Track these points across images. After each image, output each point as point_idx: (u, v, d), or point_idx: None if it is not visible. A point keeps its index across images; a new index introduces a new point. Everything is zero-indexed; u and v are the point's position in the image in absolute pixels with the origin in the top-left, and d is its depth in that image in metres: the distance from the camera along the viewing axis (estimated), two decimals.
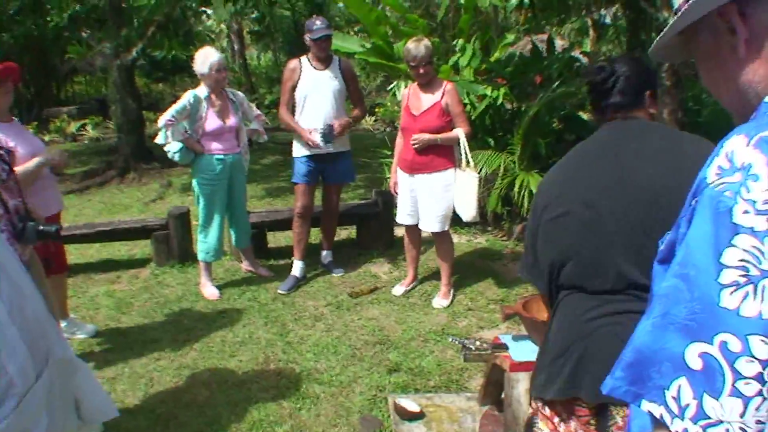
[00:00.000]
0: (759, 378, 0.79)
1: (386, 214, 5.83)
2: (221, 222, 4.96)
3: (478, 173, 4.65)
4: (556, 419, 2.07)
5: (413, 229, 4.89)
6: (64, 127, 12.57)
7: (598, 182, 1.95)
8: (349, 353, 4.09)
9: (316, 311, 4.70)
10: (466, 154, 4.51)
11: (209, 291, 4.97)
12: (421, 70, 4.43)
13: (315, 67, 4.88)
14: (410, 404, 3.40)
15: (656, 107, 2.07)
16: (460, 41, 6.70)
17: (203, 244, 4.95)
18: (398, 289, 5.00)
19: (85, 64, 12.27)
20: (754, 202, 0.80)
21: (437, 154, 4.56)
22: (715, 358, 0.81)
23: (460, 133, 4.51)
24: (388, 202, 5.82)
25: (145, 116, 10.17)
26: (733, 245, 0.80)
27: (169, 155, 4.74)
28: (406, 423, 3.34)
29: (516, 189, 5.52)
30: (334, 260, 5.49)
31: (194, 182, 4.88)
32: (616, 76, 2.00)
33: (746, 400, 0.80)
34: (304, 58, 4.94)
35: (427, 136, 4.48)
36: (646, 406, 0.89)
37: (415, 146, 4.52)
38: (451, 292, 4.89)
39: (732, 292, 0.80)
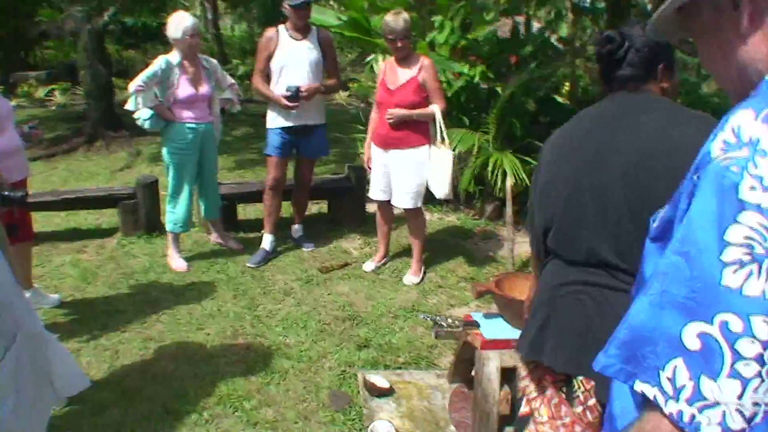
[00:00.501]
0: (759, 359, 0.78)
1: (359, 189, 5.78)
2: (191, 192, 4.87)
3: (453, 151, 4.61)
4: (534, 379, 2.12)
5: (385, 205, 4.85)
6: (32, 92, 12.26)
7: (583, 157, 1.93)
8: (318, 328, 4.06)
9: (285, 285, 4.65)
10: (441, 130, 4.47)
11: (177, 263, 4.89)
12: (399, 44, 4.37)
13: (293, 37, 4.78)
14: (380, 380, 3.38)
15: (670, 81, 1.96)
16: (439, 18, 6.63)
17: (172, 214, 4.86)
18: (369, 265, 4.97)
19: (54, 28, 11.93)
20: (762, 178, 0.77)
21: (412, 130, 4.51)
22: (715, 339, 0.79)
23: (435, 109, 4.46)
24: (360, 177, 5.77)
25: (115, 83, 9.95)
26: (738, 222, 0.78)
27: (139, 122, 4.62)
28: (375, 399, 3.32)
29: (489, 168, 5.49)
30: (304, 235, 5.44)
31: (164, 151, 4.78)
32: (627, 47, 1.91)
33: (745, 382, 0.78)
34: (281, 27, 4.83)
35: (402, 111, 4.43)
36: (640, 386, 0.86)
37: (390, 121, 4.46)
38: (422, 269, 4.88)
39: (735, 271, 0.78)
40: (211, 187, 5.08)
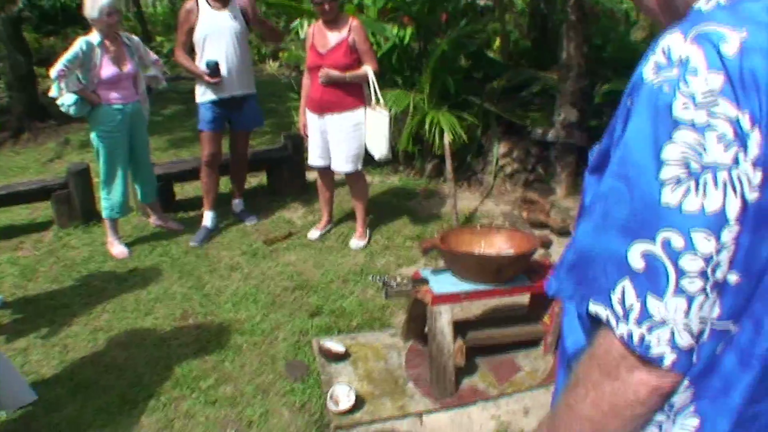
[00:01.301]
0: (702, 274, 0.80)
1: (297, 158, 5.73)
2: (125, 176, 4.73)
3: (389, 111, 4.59)
4: None
5: (325, 172, 4.82)
6: None
7: None
8: (268, 301, 4.04)
9: (231, 261, 4.60)
10: (375, 92, 4.44)
11: (117, 249, 4.78)
12: (326, 6, 4.30)
13: (212, 7, 4.65)
14: (335, 345, 3.40)
15: None
16: None
17: (107, 200, 4.73)
18: (314, 233, 4.95)
19: None
20: (694, 95, 0.78)
21: (346, 93, 4.47)
22: (658, 257, 0.80)
23: (368, 70, 4.43)
24: (298, 145, 5.72)
25: (37, 72, 9.54)
26: (673, 140, 0.79)
27: (63, 109, 4.45)
28: (332, 364, 3.34)
29: (426, 127, 5.50)
30: (246, 208, 5.37)
31: (93, 136, 4.62)
32: None
33: (690, 298, 0.80)
34: None
35: (335, 72, 4.37)
36: (593, 308, 0.88)
37: (322, 80, 4.40)
38: (368, 232, 4.89)
39: (673, 189, 0.79)
40: (145, 168, 4.95)
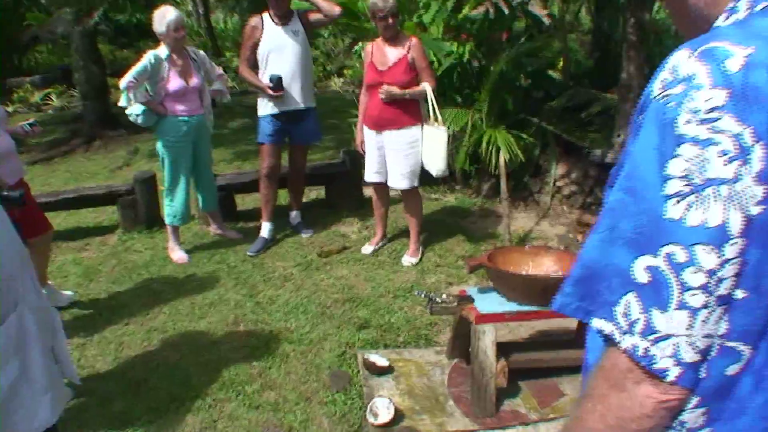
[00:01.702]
0: (705, 288, 0.80)
1: (354, 173, 5.81)
2: (187, 185, 4.91)
3: (447, 129, 4.62)
4: None
5: (381, 187, 4.88)
6: (28, 96, 12.25)
7: None
8: (318, 312, 4.11)
9: (285, 272, 4.70)
10: (433, 108, 4.49)
11: (177, 255, 4.94)
12: (390, 21, 4.38)
13: (276, 23, 4.80)
14: (379, 359, 3.43)
15: None
16: None
17: (170, 207, 4.91)
18: (367, 248, 5.01)
19: (46, 32, 11.93)
20: (697, 111, 0.80)
21: (404, 110, 4.53)
22: (662, 271, 0.82)
23: (427, 87, 4.48)
24: (356, 161, 5.80)
25: (111, 83, 9.95)
26: (677, 155, 0.81)
27: (132, 118, 4.66)
28: (375, 377, 3.37)
29: (483, 146, 5.50)
30: (303, 221, 5.48)
31: (158, 145, 4.82)
32: None
33: (694, 313, 0.81)
34: (265, 15, 4.85)
35: (395, 89, 4.44)
36: (596, 323, 0.89)
37: (383, 96, 4.47)
38: (420, 249, 4.91)
39: (676, 203, 0.80)
40: (207, 178, 5.12)
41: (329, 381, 3.38)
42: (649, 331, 0.83)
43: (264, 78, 4.81)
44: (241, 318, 4.06)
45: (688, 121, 0.80)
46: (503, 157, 5.19)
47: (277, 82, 4.72)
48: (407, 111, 4.54)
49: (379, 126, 4.62)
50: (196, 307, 4.20)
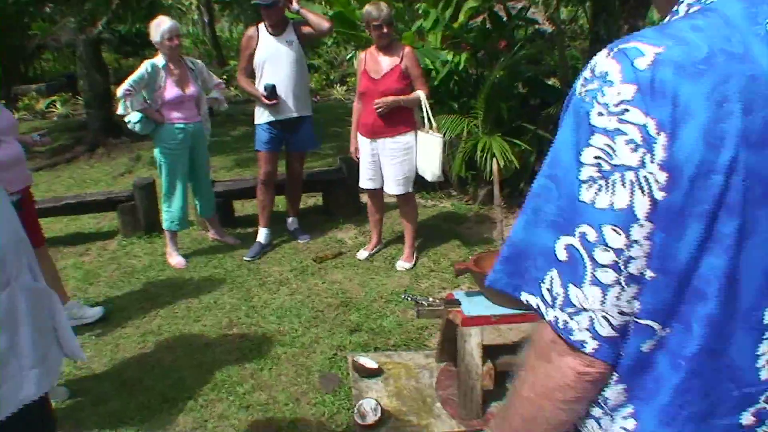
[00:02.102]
0: (615, 266, 0.88)
1: (351, 180, 5.85)
2: (184, 191, 4.99)
3: (442, 136, 4.69)
4: None
5: (376, 193, 4.95)
6: (33, 104, 12.41)
7: None
8: (311, 316, 4.17)
9: (280, 276, 4.76)
10: (428, 115, 4.56)
11: (175, 260, 5.02)
12: (385, 30, 4.45)
13: (271, 33, 4.89)
14: (369, 362, 3.48)
15: None
16: (423, 5, 6.70)
17: (168, 213, 4.99)
18: (362, 254, 5.07)
19: (50, 41, 12.08)
20: (608, 104, 0.87)
21: (398, 117, 4.60)
22: (577, 249, 0.89)
23: (421, 95, 4.55)
24: (353, 168, 5.86)
25: (114, 91, 10.08)
26: (590, 144, 0.88)
27: (130, 126, 4.75)
28: (364, 380, 3.42)
29: (479, 153, 5.57)
30: (300, 227, 5.55)
31: (156, 152, 4.90)
32: None
33: (604, 288, 0.88)
34: (261, 25, 4.94)
35: (390, 98, 4.52)
36: (525, 297, 0.97)
37: (380, 110, 4.55)
38: (415, 254, 4.97)
39: (588, 187, 0.88)
40: (204, 185, 5.20)
41: (319, 383, 3.44)
42: (567, 304, 0.90)
43: (259, 87, 4.89)
44: (236, 321, 4.12)
45: (600, 114, 0.88)
46: (496, 163, 5.26)
47: (271, 91, 4.80)
48: (401, 118, 4.61)
49: (374, 133, 4.69)
50: (192, 311, 4.27)
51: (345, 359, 3.64)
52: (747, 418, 0.96)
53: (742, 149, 0.83)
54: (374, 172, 4.82)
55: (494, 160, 5.32)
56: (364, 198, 5.61)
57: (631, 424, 0.97)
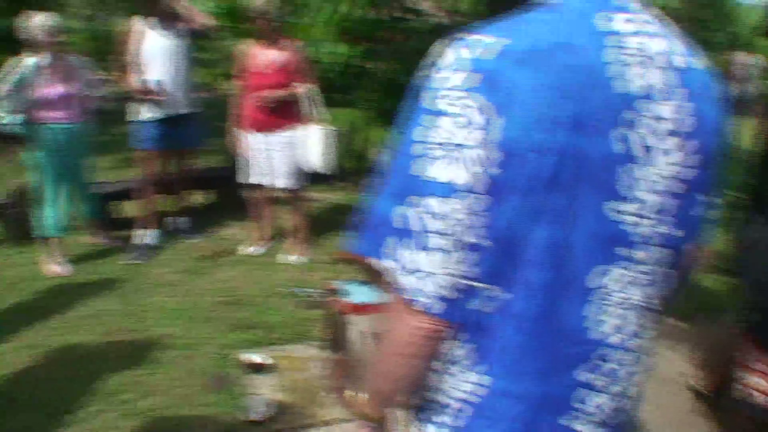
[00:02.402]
0: (443, 233, 0.96)
1: (239, 176, 5.78)
2: (63, 194, 4.76)
3: (330, 128, 4.69)
4: None
5: (265, 189, 4.91)
6: None
7: None
8: (199, 316, 4.09)
9: (167, 278, 4.65)
10: (315, 108, 4.55)
11: (54, 267, 4.79)
12: (268, 22, 4.41)
13: (157, 28, 4.73)
14: (258, 357, 3.47)
15: None
16: None
17: (45, 219, 4.75)
18: (252, 250, 5.02)
19: None
20: (452, 90, 0.95)
21: (284, 111, 4.58)
22: (408, 217, 0.98)
23: (306, 88, 4.54)
24: (240, 164, 5.78)
25: None
26: (420, 124, 0.98)
27: (5, 128, 4.49)
28: (255, 376, 3.40)
29: (362, 143, 5.60)
30: (188, 226, 5.43)
31: (33, 154, 4.65)
32: None
33: (443, 254, 0.97)
34: (146, 19, 4.74)
35: (277, 92, 4.48)
36: (374, 261, 1.04)
37: (266, 104, 4.50)
38: (306, 248, 4.96)
39: (421, 162, 0.96)
40: (84, 187, 4.99)
41: (210, 383, 3.38)
42: (403, 267, 0.98)
43: (145, 82, 4.72)
44: (124, 327, 3.99)
45: (439, 97, 0.96)
46: (377, 153, 5.31)
47: (156, 87, 4.65)
48: (288, 112, 4.59)
49: (261, 128, 4.64)
50: (77, 319, 4.09)
51: (236, 358, 3.60)
52: (582, 374, 1.06)
53: (572, 133, 0.92)
54: (263, 167, 4.77)
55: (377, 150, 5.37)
56: (254, 194, 5.55)
57: (484, 380, 1.05)
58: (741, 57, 11.94)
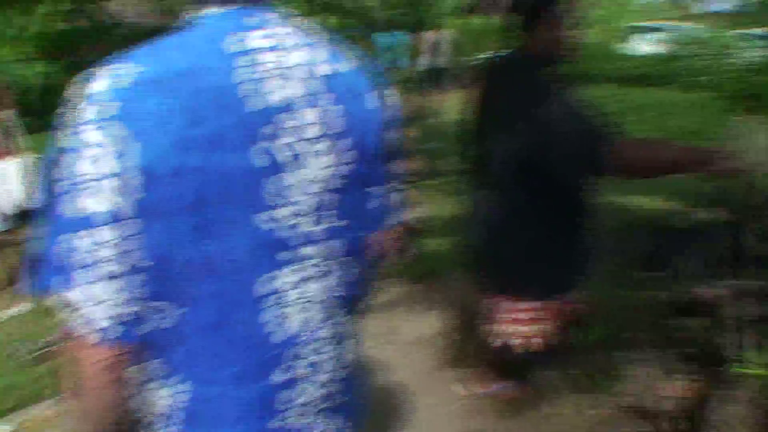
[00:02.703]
0: (100, 261, 0.95)
1: None
2: None
3: (32, 158, 4.27)
4: None
5: None
6: None
7: None
8: None
9: None
10: (13, 137, 4.12)
11: None
12: None
13: None
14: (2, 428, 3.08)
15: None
16: None
17: None
18: None
19: None
20: (81, 123, 0.95)
21: None
22: (63, 255, 0.96)
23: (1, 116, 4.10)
24: None
25: None
26: (62, 161, 0.96)
27: None
28: None
29: None
30: None
31: None
32: None
33: (96, 282, 0.96)
34: None
35: None
36: (50, 298, 1.01)
37: None
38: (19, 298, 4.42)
39: (62, 200, 0.95)
40: None
41: None
42: (72, 301, 0.97)
43: None
44: None
45: (69, 133, 0.95)
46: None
47: None
48: None
49: None
50: None
51: None
52: (279, 376, 1.12)
53: (209, 154, 0.96)
54: None
55: None
56: None
57: (183, 387, 1.08)
58: (429, 35, 13.01)
